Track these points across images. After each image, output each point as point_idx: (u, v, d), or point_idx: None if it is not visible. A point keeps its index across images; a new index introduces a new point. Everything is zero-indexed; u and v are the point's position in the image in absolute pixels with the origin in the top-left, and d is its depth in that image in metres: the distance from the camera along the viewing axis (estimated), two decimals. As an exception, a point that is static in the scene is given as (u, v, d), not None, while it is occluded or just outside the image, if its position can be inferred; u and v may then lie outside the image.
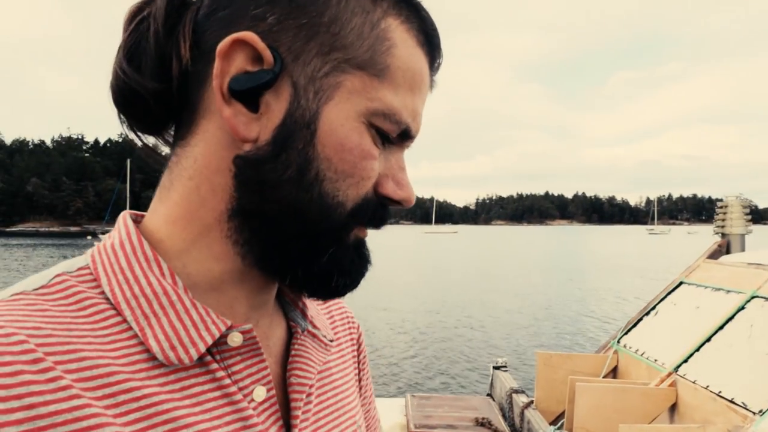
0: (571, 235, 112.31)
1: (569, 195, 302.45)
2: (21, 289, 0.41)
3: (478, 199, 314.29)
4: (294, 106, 0.42)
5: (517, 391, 4.71)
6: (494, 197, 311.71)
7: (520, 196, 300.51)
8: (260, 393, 0.46)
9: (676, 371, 3.68)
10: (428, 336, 11.15)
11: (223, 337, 0.44)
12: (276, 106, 0.42)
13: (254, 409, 0.45)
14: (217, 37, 0.42)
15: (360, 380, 0.67)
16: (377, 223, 0.48)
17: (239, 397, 0.44)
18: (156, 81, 0.44)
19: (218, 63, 0.41)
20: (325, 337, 0.56)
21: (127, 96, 0.45)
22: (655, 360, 3.99)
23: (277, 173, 0.42)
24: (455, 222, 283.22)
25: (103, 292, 0.42)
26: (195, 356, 0.42)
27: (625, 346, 4.47)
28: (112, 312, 0.42)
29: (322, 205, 0.43)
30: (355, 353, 0.67)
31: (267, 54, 0.41)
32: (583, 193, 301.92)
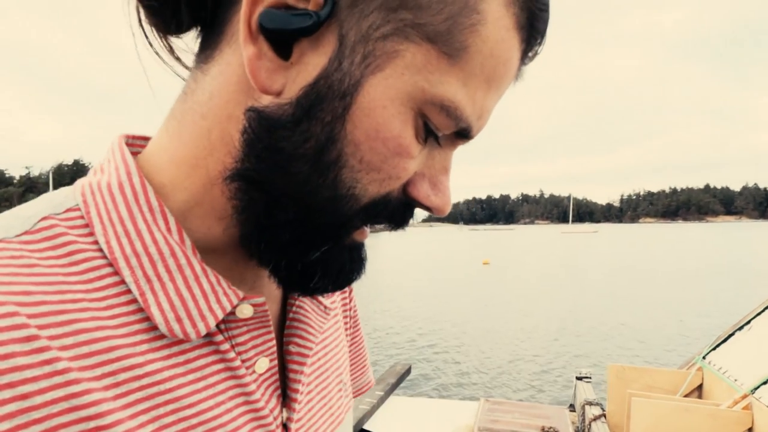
0: (739, 232, 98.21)
1: (736, 187, 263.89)
2: (1, 235, 0.34)
3: (622, 195, 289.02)
4: (333, 66, 0.34)
5: (590, 403, 4.61)
6: (642, 192, 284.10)
7: (674, 191, 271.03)
8: (263, 364, 0.43)
9: (753, 393, 3.39)
10: (534, 340, 10.87)
11: (232, 308, 0.40)
12: (312, 59, 0.34)
13: (255, 381, 0.42)
14: None
15: (350, 327, 0.64)
16: (396, 224, 0.41)
17: (242, 371, 0.41)
18: None
19: None
20: (323, 299, 0.52)
21: None
22: (735, 380, 3.69)
23: (292, 143, 0.35)
24: (596, 221, 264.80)
25: (96, 242, 0.36)
26: (203, 331, 0.38)
27: (710, 363, 4.16)
28: (109, 269, 0.36)
29: (334, 194, 0.36)
30: (347, 301, 0.64)
31: None
32: (755, 184, 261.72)
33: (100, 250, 0.36)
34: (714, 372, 4.01)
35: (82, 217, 0.37)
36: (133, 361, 0.35)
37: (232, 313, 0.40)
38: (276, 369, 0.44)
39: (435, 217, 0.42)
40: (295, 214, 0.37)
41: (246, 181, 0.37)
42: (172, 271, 0.37)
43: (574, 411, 5.08)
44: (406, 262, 34.30)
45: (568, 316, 13.47)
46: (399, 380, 5.51)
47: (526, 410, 4.95)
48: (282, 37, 0.34)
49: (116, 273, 0.36)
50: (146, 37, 0.40)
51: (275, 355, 0.44)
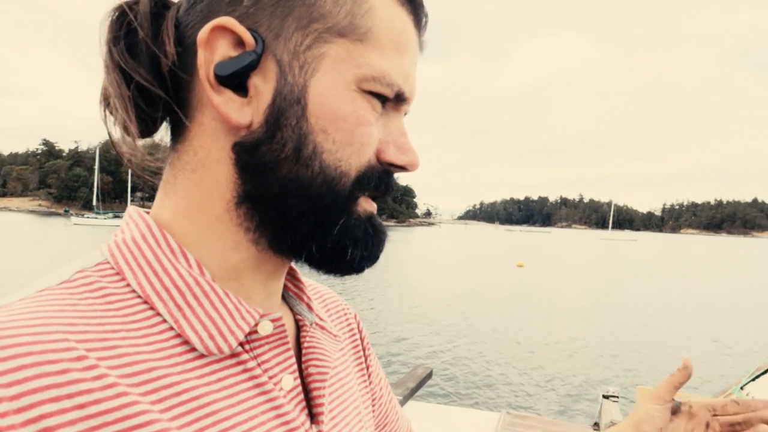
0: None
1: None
2: (44, 285, 0.40)
3: (665, 205, 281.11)
4: (281, 84, 0.42)
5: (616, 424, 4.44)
6: (686, 203, 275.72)
7: (719, 203, 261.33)
8: (288, 382, 0.47)
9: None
10: (563, 352, 10.59)
11: (254, 326, 0.45)
12: (264, 87, 0.43)
13: (284, 397, 0.46)
14: (197, 29, 0.42)
15: (368, 367, 0.66)
16: (384, 191, 0.48)
17: (270, 386, 0.45)
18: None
19: (201, 52, 0.41)
20: (331, 329, 0.57)
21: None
22: (776, 416, 3.47)
23: (274, 153, 0.43)
24: (635, 228, 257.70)
25: (128, 285, 0.42)
26: (234, 345, 0.43)
27: (748, 394, 3.93)
28: (142, 306, 0.41)
29: (325, 178, 0.44)
30: (357, 342, 0.66)
31: (247, 36, 0.41)
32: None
33: (132, 291, 0.42)
34: (752, 405, 3.79)
35: (112, 268, 0.43)
36: (172, 379, 0.39)
37: (255, 331, 0.45)
38: (300, 388, 0.49)
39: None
40: (303, 207, 0.44)
41: (251, 201, 0.44)
42: (199, 298, 0.43)
43: (599, 430, 4.92)
44: (436, 261, 34.11)
45: (601, 329, 13.10)
46: (419, 385, 5.42)
47: (549, 426, 4.82)
48: (236, 80, 0.42)
49: (149, 308, 0.42)
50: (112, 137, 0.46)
51: (298, 374, 0.49)
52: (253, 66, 0.42)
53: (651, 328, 13.34)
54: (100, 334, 0.38)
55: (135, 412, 0.36)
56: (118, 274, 0.43)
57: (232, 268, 0.46)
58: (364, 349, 0.67)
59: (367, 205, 0.48)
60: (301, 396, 0.49)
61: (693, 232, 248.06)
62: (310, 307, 0.56)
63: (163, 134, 0.49)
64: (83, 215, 66.97)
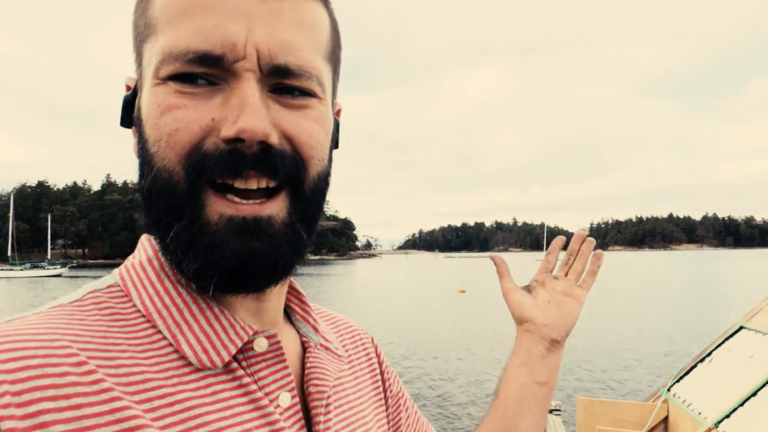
0: (700, 260, 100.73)
1: (697, 216, 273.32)
2: (57, 303, 0.44)
3: (592, 224, 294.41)
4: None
5: (560, 438, 4.57)
6: (611, 221, 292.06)
7: (640, 220, 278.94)
8: (285, 399, 0.48)
9: (716, 427, 3.42)
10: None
11: (249, 342, 0.47)
12: None
13: (280, 414, 0.47)
14: None
15: (386, 390, 0.67)
16: (230, 173, 0.42)
17: (266, 402, 0.46)
18: None
19: None
20: (337, 349, 0.59)
21: None
22: (699, 413, 3.72)
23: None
24: (567, 248, 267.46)
25: (134, 305, 0.45)
26: (226, 358, 0.45)
27: (675, 395, 4.19)
28: (145, 324, 0.44)
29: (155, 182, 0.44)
30: (375, 366, 0.67)
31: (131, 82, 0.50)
32: (714, 214, 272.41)
33: (138, 311, 0.45)
34: (679, 404, 4.04)
35: (121, 290, 0.47)
36: (165, 390, 0.41)
37: (251, 348, 0.47)
38: (299, 407, 0.50)
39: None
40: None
41: None
42: (195, 315, 0.45)
43: (544, 445, 5.03)
44: (381, 291, 34.03)
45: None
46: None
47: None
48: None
49: (152, 326, 0.45)
50: None
51: (296, 392, 0.50)
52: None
53: (587, 341, 13.87)
54: (102, 346, 0.41)
55: (126, 416, 0.38)
56: (126, 295, 0.46)
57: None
58: (382, 373, 0.68)
59: (226, 206, 0.42)
60: (300, 414, 0.49)
61: (619, 249, 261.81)
62: (316, 329, 0.58)
63: None
64: (-3, 267, 61.38)
